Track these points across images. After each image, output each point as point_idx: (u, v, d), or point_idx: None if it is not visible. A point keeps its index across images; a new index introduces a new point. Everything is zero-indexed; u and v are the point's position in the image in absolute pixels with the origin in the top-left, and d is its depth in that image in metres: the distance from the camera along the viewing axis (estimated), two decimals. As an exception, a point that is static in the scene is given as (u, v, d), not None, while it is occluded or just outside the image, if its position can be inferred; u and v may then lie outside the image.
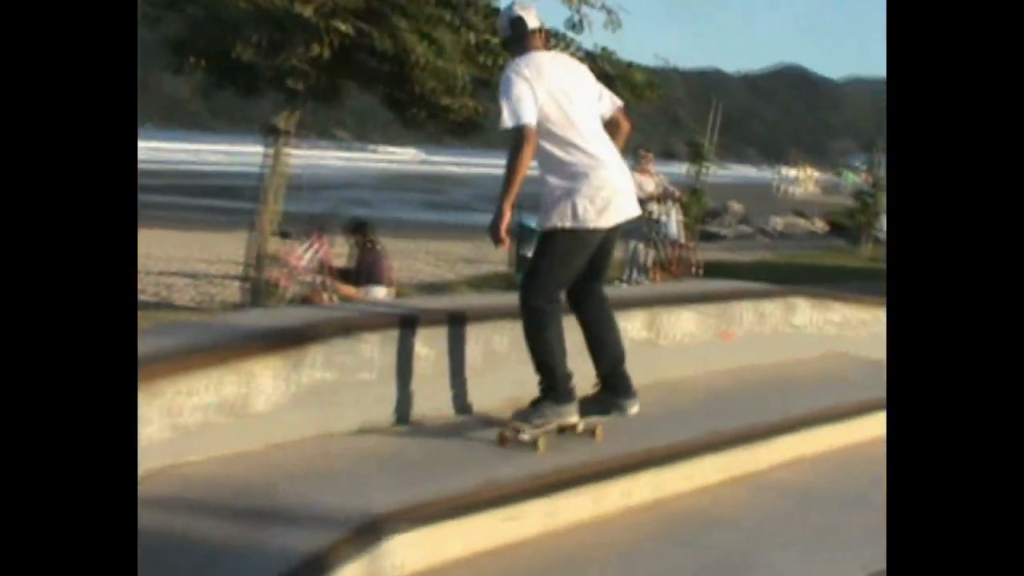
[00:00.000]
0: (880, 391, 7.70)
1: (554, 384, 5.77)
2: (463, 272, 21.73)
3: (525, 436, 5.76)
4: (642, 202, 15.53)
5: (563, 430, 5.90)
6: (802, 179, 76.23)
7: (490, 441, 5.86)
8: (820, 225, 41.30)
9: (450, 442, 5.88)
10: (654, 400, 6.56)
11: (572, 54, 13.78)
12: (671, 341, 6.57)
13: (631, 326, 7.31)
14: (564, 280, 5.80)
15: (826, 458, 6.78)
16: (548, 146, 5.67)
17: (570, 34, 14.40)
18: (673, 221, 16.82)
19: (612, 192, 5.73)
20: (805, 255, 29.07)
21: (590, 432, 5.99)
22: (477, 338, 6.47)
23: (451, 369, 6.36)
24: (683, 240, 17.58)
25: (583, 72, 6.01)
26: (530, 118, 5.55)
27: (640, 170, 15.34)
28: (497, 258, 21.68)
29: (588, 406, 5.95)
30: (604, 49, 15.54)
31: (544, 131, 5.64)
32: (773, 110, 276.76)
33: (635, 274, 15.52)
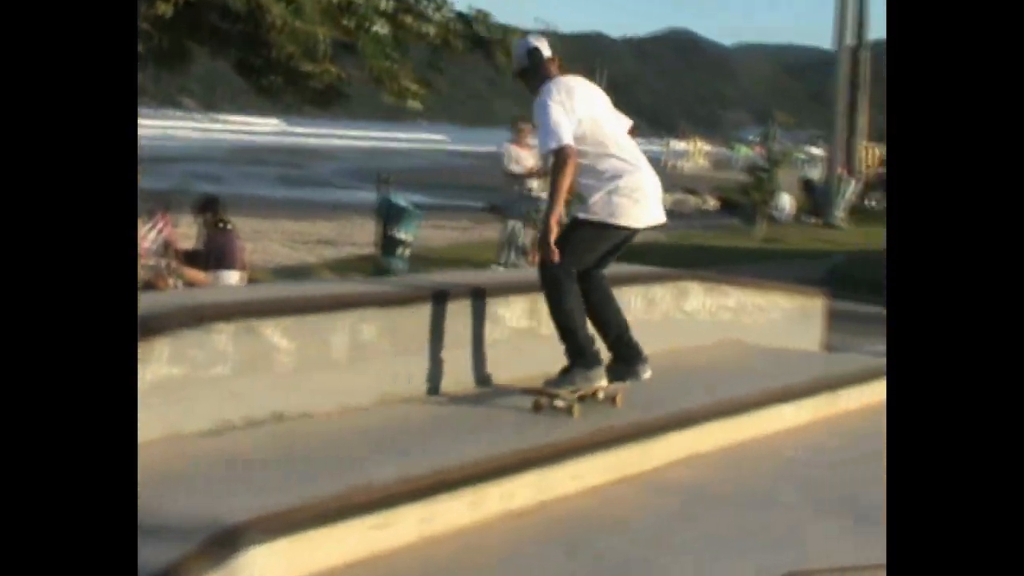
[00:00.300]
0: (780, 380, 7.91)
1: (579, 349, 6.67)
2: (324, 254, 21.55)
3: (560, 403, 6.63)
4: (521, 178, 15.52)
5: (583, 398, 6.68)
6: (692, 152, 76.91)
7: (360, 439, 5.84)
8: (711, 203, 41.77)
9: (315, 442, 5.84)
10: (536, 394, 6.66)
11: (444, 16, 13.77)
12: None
13: (510, 314, 7.35)
14: (582, 264, 6.73)
15: (725, 454, 6.88)
16: (586, 161, 6.59)
17: (443, -6, 14.32)
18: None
19: (644, 196, 6.73)
20: (696, 235, 29.38)
21: (611, 399, 6.84)
22: (343, 328, 6.44)
23: (314, 362, 6.32)
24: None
25: (600, 92, 7.00)
26: (569, 139, 6.49)
27: (518, 143, 15.30)
28: (361, 239, 21.57)
29: (605, 376, 6.79)
30: (479, 12, 15.44)
31: (581, 149, 6.53)
32: (661, 78, 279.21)
33: (513, 256, 15.45)
